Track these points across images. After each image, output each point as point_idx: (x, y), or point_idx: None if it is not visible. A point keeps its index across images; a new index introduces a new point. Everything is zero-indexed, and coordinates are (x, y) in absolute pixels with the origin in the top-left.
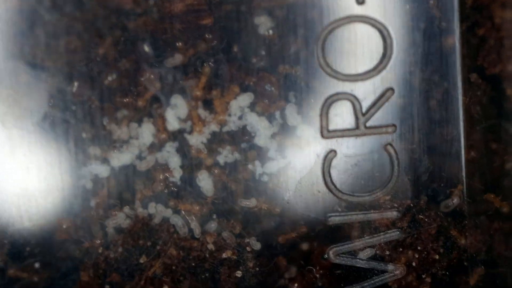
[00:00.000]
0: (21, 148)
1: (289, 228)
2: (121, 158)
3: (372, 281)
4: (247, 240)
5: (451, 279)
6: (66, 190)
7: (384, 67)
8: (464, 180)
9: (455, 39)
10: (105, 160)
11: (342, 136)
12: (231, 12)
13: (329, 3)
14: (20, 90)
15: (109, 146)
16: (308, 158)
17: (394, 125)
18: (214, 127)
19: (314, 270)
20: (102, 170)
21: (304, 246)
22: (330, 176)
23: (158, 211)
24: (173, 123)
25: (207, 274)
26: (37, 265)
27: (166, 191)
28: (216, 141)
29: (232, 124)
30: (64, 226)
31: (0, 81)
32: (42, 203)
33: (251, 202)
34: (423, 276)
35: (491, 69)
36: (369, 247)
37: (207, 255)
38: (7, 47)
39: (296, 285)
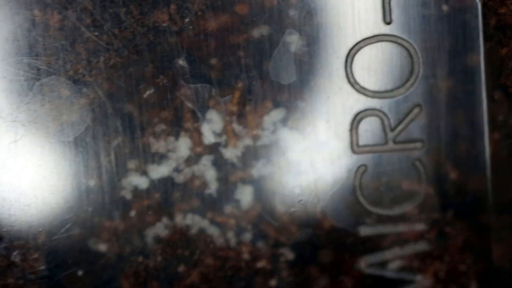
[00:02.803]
0: (63, 160)
1: (321, 239)
2: (159, 171)
3: None
4: (281, 250)
5: None
6: (107, 201)
7: (412, 84)
8: (490, 194)
9: (479, 58)
10: (144, 172)
11: (372, 152)
12: (264, 30)
13: (357, 23)
14: (61, 104)
15: (147, 159)
16: (339, 172)
17: (422, 141)
18: (248, 141)
19: (345, 280)
20: (141, 182)
21: (336, 256)
22: (361, 189)
23: (195, 222)
24: (208, 137)
25: (242, 283)
26: (80, 273)
27: (203, 203)
28: (250, 154)
29: (266, 138)
30: (105, 236)
31: (43, 95)
32: (83, 214)
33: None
34: (451, 287)
35: None
36: (398, 258)
37: (243, 265)
38: (49, 62)
39: None
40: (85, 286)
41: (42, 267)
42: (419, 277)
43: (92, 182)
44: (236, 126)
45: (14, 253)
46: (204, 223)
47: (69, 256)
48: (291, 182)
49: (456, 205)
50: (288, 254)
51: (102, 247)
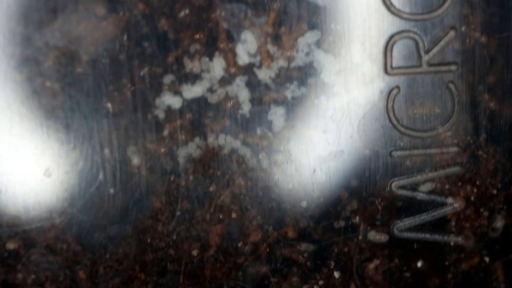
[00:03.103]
0: (96, 80)
1: (352, 162)
2: (192, 91)
3: (432, 214)
4: (312, 171)
5: (508, 213)
6: (139, 120)
7: (448, 8)
8: None
9: None
10: (177, 92)
11: (405, 74)
12: None
13: None
14: (96, 23)
15: (181, 79)
16: (372, 94)
17: (456, 64)
18: (282, 63)
19: (376, 202)
20: (174, 102)
21: (366, 179)
22: (393, 111)
23: (227, 142)
24: (243, 58)
25: (273, 204)
26: (111, 190)
27: (235, 123)
28: (284, 76)
29: (300, 60)
30: (138, 156)
31: (78, 14)
32: (115, 132)
33: None
34: (481, 210)
35: None
36: (429, 181)
37: (273, 185)
38: None
39: (357, 217)
40: (116, 204)
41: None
42: (450, 200)
43: (125, 101)
44: (270, 47)
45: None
46: (236, 144)
47: (99, 173)
48: (324, 104)
49: (488, 129)
50: (319, 176)
51: (134, 166)
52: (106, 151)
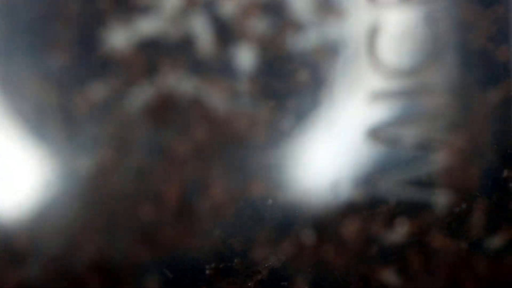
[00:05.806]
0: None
1: None
2: (145, 26)
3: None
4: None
5: None
6: (84, 60)
7: None
8: None
9: None
10: (128, 28)
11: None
12: None
13: None
14: None
15: (133, 11)
16: (351, 30)
17: None
18: None
19: None
20: (124, 39)
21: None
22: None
23: (186, 86)
24: None
25: (238, 156)
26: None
27: (195, 64)
28: (250, 11)
29: None
30: (84, 104)
31: None
32: (59, 74)
33: None
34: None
35: None
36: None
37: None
38: None
39: None
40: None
41: None
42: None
43: (68, 38)
44: None
45: None
46: (197, 89)
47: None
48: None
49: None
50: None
51: (79, 111)
52: (52, 94)
